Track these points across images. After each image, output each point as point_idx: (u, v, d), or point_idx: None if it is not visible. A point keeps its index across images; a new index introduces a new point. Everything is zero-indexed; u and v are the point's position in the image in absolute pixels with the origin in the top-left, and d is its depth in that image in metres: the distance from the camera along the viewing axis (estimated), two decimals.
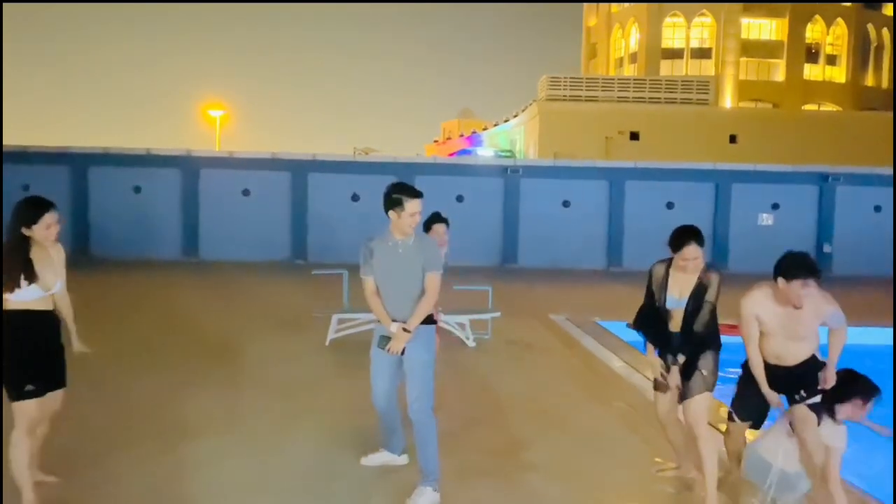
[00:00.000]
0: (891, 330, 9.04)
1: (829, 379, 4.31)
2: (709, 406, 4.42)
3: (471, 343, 9.11)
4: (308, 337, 9.31)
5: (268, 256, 19.10)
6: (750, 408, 4.58)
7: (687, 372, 4.48)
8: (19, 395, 4.05)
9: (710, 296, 4.38)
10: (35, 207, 4.13)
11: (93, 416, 5.82)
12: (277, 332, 9.87)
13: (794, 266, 4.15)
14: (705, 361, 4.45)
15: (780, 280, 4.19)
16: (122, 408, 6.17)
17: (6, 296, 4.01)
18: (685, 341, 4.44)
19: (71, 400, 4.47)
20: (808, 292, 4.15)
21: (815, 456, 4.29)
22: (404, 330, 4.42)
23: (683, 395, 4.52)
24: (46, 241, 4.17)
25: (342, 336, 8.93)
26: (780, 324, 4.32)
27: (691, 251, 4.37)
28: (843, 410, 4.26)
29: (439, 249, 4.69)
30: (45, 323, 4.17)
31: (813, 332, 4.35)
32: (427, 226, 6.46)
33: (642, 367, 7.86)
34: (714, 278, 4.41)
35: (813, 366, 4.36)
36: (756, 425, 4.69)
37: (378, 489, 4.65)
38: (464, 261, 17.95)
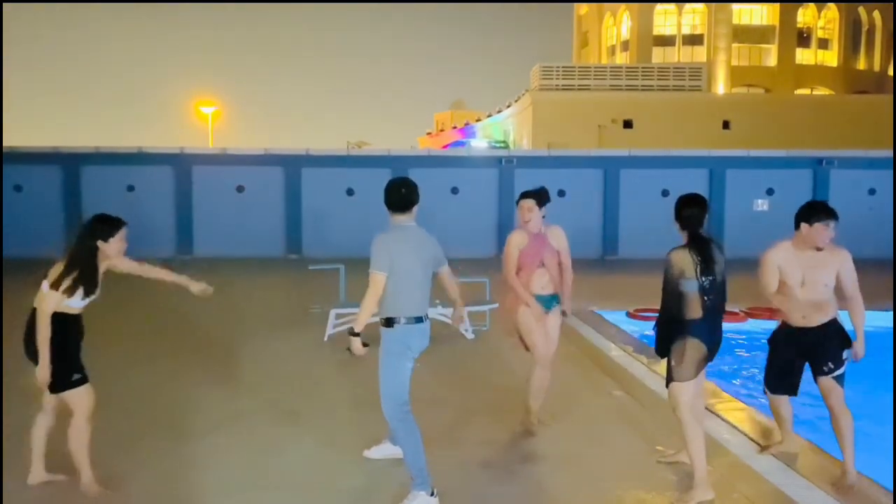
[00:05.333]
0: (890, 313, 9.01)
1: (859, 352, 4.51)
2: (685, 394, 4.35)
3: (469, 335, 9.11)
4: (306, 332, 9.30)
5: (262, 252, 19.04)
6: (779, 379, 4.78)
7: (665, 357, 4.47)
8: (67, 385, 4.33)
9: (664, 278, 4.33)
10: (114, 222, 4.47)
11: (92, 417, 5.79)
12: (275, 328, 9.85)
13: (816, 210, 4.49)
14: (673, 352, 4.37)
15: (804, 225, 4.48)
16: (121, 407, 6.14)
17: (66, 301, 4.29)
18: (655, 323, 4.50)
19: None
20: (829, 236, 4.46)
21: (841, 420, 4.48)
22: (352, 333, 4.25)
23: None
24: (119, 254, 4.55)
25: (341, 331, 8.92)
26: (803, 269, 4.51)
27: None
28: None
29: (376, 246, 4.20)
30: (80, 323, 4.54)
31: (831, 281, 4.53)
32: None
33: (640, 355, 7.87)
34: (667, 258, 4.34)
35: (835, 330, 4.53)
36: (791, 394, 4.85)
37: (381, 480, 4.64)
38: (460, 252, 17.96)
